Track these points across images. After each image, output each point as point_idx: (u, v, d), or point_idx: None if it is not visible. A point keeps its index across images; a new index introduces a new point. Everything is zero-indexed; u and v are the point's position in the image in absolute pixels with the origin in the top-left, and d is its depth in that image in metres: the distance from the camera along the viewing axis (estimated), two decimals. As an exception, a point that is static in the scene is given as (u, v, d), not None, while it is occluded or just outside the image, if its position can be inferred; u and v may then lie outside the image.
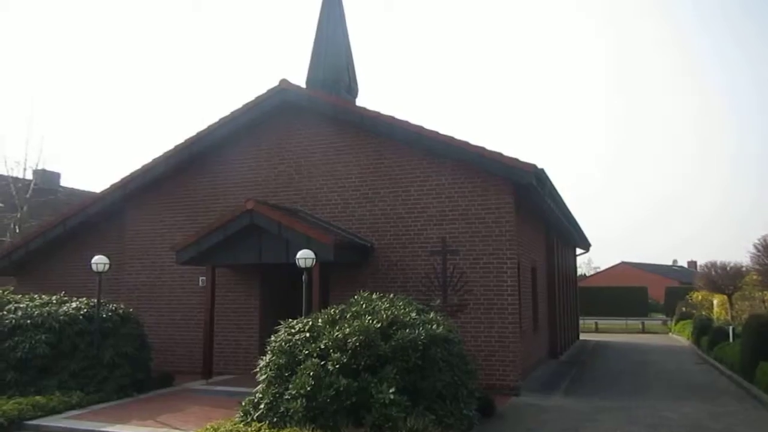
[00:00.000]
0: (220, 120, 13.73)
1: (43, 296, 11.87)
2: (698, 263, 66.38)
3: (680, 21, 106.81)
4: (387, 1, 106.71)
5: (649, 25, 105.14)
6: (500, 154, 11.48)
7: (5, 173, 23.03)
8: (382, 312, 8.42)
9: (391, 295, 9.44)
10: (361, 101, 15.86)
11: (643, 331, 31.51)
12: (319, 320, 8.52)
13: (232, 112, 13.63)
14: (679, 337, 26.69)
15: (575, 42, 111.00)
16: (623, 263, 59.95)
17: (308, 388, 7.33)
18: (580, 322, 28.58)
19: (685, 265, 68.96)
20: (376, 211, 12.64)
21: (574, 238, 21.67)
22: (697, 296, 27.67)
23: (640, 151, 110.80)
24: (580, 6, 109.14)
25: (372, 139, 12.84)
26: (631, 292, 43.13)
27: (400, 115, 12.68)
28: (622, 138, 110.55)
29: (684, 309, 29.07)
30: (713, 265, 23.75)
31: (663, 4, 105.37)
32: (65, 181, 29.95)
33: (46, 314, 10.82)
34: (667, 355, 19.74)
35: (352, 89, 15.51)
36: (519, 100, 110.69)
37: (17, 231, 21.83)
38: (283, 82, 13.37)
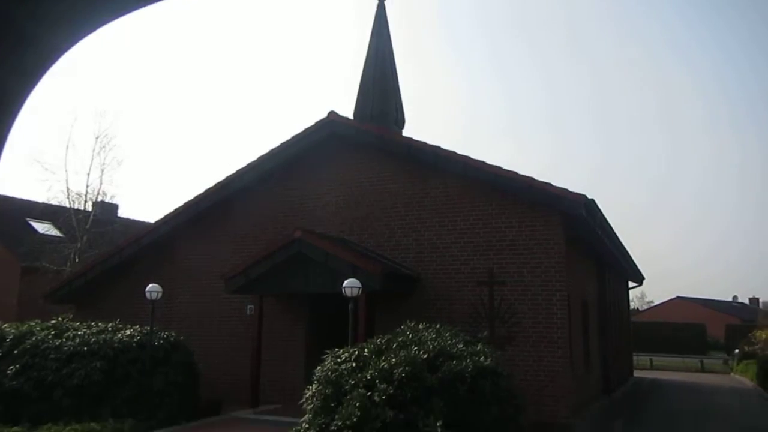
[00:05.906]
0: (270, 152, 14.05)
1: (100, 324, 12.22)
2: (761, 300, 63.97)
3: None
4: (435, 29, 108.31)
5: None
6: (548, 185, 11.33)
7: (68, 206, 24.05)
8: (429, 343, 8.33)
9: (438, 326, 9.34)
10: (407, 131, 16.00)
11: (703, 369, 30.08)
12: (366, 350, 8.47)
13: (281, 144, 13.94)
14: (743, 378, 25.37)
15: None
16: (678, 298, 57.73)
17: (354, 420, 7.25)
18: (635, 358, 27.54)
19: (746, 302, 65.92)
20: (422, 241, 12.60)
21: (626, 270, 21.04)
22: (761, 335, 26.34)
23: (697, 182, 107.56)
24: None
25: (418, 169, 12.89)
26: (688, 329, 41.43)
27: (447, 145, 12.67)
28: (679, 167, 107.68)
29: (746, 348, 27.69)
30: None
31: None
32: (123, 212, 31.02)
33: (101, 342, 11.12)
34: (730, 397, 18.74)
35: (399, 120, 15.66)
36: (574, 129, 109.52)
37: (77, 261, 22.62)
38: (332, 114, 13.63)
